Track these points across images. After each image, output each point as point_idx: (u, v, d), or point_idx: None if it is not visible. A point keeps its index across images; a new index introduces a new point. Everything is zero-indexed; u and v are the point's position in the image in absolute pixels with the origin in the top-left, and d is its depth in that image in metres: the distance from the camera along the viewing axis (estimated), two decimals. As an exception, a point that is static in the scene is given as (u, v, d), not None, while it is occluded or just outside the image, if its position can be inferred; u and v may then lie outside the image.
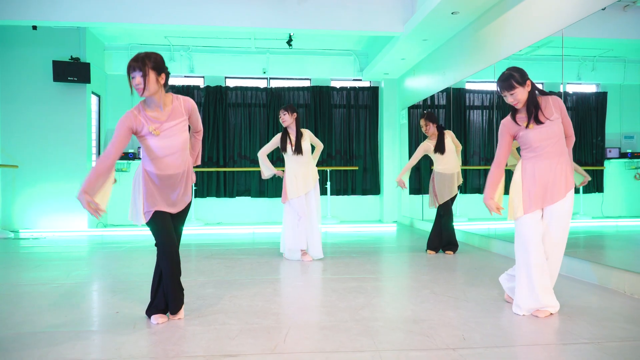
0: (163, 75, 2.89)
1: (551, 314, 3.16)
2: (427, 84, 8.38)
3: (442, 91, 7.91)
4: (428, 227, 8.50)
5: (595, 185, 7.34)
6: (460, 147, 5.83)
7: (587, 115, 7.75)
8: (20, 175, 8.37)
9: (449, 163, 5.61)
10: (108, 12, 6.97)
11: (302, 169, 5.28)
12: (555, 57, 6.81)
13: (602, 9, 4.29)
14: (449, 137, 5.68)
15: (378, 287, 4.05)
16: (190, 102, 3.06)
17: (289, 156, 5.30)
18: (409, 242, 7.01)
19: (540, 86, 3.22)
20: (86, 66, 8.29)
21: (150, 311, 3.10)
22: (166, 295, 3.06)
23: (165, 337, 2.78)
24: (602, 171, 6.98)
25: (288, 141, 5.26)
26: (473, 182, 8.99)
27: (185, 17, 7.14)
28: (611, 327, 2.92)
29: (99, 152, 9.26)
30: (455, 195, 5.72)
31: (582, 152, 7.75)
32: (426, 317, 3.15)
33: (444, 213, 5.66)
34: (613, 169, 6.81)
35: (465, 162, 8.79)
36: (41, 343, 2.68)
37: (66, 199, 8.42)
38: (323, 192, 9.82)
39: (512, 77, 3.11)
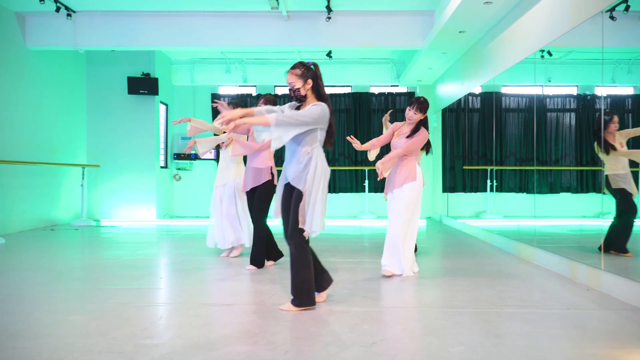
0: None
1: None
2: (452, 91, 9.13)
3: (475, 95, 8.59)
4: (453, 223, 9.28)
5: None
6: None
7: (622, 118, 8.18)
8: (101, 173, 9.99)
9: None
10: (172, 38, 8.32)
11: None
12: (589, 60, 7.38)
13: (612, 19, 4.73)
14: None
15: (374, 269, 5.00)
16: None
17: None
18: (432, 235, 7.83)
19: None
20: (155, 81, 9.75)
21: None
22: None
23: (189, 293, 3.93)
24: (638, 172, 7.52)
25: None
26: (507, 182, 9.61)
27: (239, 39, 8.34)
28: (524, 299, 3.74)
29: (166, 154, 10.74)
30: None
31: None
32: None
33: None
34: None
35: (501, 162, 9.47)
36: (103, 294, 3.91)
37: (138, 193, 9.97)
38: (362, 189, 10.80)
39: None
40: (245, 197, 5.35)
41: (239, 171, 5.47)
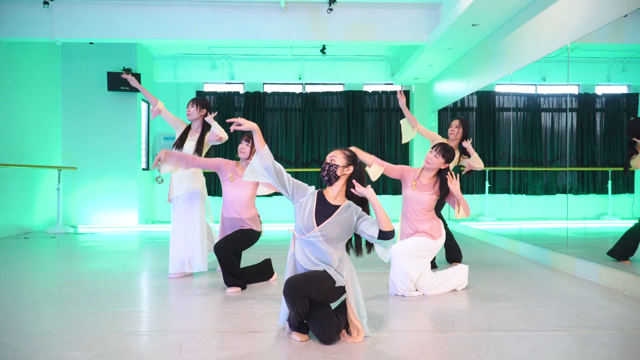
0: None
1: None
2: (453, 89, 8.74)
3: (471, 94, 8.23)
4: (457, 227, 8.88)
5: (625, 186, 7.60)
6: None
7: (617, 116, 7.94)
8: (78, 176, 9.24)
9: None
10: (157, 30, 7.68)
11: None
12: (587, 59, 7.07)
13: (624, 16, 4.41)
14: None
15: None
16: None
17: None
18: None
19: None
20: (137, 77, 9.06)
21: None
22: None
23: (203, 317, 3.36)
24: (633, 172, 7.23)
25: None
26: (502, 183, 9.28)
27: (227, 32, 7.76)
28: (586, 317, 3.32)
29: (148, 154, 10.05)
30: None
31: (611, 153, 7.96)
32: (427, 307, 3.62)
33: None
34: (645, 170, 7.02)
35: (494, 163, 9.12)
36: (104, 319, 3.30)
37: (119, 197, 9.25)
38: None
39: None
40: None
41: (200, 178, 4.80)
